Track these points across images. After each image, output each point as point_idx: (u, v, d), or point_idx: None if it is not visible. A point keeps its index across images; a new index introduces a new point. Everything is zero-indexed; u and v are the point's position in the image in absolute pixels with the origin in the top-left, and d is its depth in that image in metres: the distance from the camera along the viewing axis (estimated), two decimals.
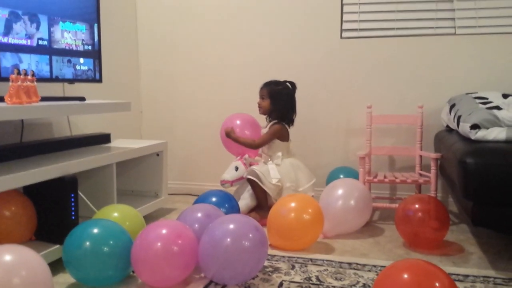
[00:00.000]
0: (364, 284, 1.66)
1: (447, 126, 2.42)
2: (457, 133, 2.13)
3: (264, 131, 2.51)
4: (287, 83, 2.52)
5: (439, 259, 1.91)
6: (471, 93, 2.37)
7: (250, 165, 2.49)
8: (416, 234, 2.01)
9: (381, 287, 1.26)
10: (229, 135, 2.51)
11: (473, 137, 1.89)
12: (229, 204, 2.21)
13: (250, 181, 2.37)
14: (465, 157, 1.67)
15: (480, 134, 1.87)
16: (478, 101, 2.17)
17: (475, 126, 1.89)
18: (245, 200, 2.43)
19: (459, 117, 2.07)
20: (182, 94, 3.17)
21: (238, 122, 2.64)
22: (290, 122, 2.53)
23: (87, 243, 1.59)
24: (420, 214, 1.99)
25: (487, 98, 2.18)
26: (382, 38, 2.78)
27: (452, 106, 2.30)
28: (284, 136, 2.48)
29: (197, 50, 3.11)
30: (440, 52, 2.69)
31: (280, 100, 2.47)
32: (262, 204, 2.38)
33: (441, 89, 2.67)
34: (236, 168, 2.49)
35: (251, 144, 2.48)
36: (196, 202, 2.22)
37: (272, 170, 2.39)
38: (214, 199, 2.19)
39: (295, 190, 2.39)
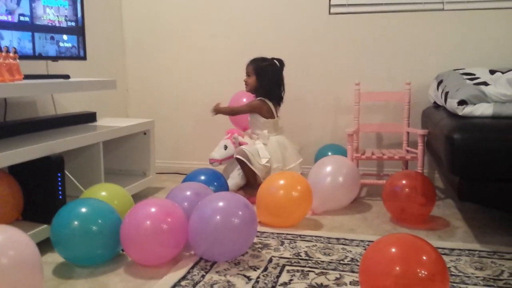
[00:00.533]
0: (352, 258, 1.68)
1: (435, 102, 2.43)
2: (445, 109, 2.15)
3: None
4: (275, 60, 2.49)
5: (425, 234, 1.94)
6: (458, 69, 2.38)
7: (239, 144, 2.48)
8: (403, 210, 2.04)
9: (369, 261, 1.27)
10: (218, 111, 2.51)
11: (460, 113, 1.90)
12: (218, 182, 2.21)
13: (239, 161, 2.37)
14: (452, 133, 1.68)
15: (467, 110, 1.88)
16: (465, 77, 2.18)
17: (462, 102, 1.90)
18: (234, 179, 2.43)
19: (446, 93, 2.08)
20: (168, 71, 3.13)
21: (244, 99, 2.66)
22: (277, 99, 2.51)
23: (75, 222, 1.59)
24: (407, 190, 2.02)
25: (474, 74, 2.19)
26: (371, 14, 2.76)
27: (439, 83, 2.30)
28: (266, 113, 2.46)
29: (183, 27, 3.06)
30: (428, 28, 2.68)
31: (265, 77, 2.45)
32: (251, 183, 2.39)
33: (429, 65, 2.67)
34: (225, 147, 2.49)
35: (230, 111, 2.55)
36: (184, 180, 2.22)
37: (261, 150, 2.38)
38: (202, 178, 2.19)
39: (282, 170, 2.39)
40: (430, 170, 2.77)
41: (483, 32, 2.61)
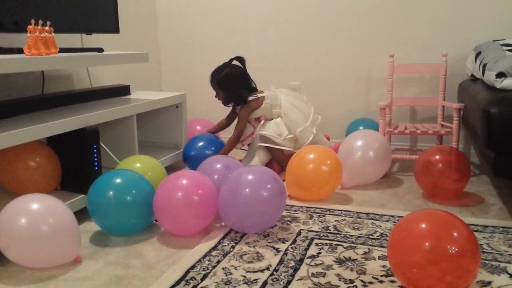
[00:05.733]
0: (381, 233, 1.68)
1: (472, 75, 2.35)
2: (482, 82, 2.07)
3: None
4: (234, 61, 2.41)
5: (458, 210, 1.91)
6: (498, 40, 2.28)
7: (255, 120, 2.46)
8: (435, 185, 2.00)
9: (398, 235, 1.27)
10: (226, 152, 2.40)
11: (498, 86, 1.83)
12: (215, 147, 2.39)
13: (268, 147, 2.36)
14: (489, 107, 1.63)
15: (506, 83, 1.81)
16: (505, 48, 2.08)
17: (501, 75, 1.82)
18: (258, 156, 2.41)
19: (484, 65, 2.00)
20: (200, 44, 3.13)
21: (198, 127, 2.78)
22: (251, 90, 2.42)
23: (111, 193, 1.64)
24: (440, 165, 1.98)
25: None
26: None
27: (477, 54, 2.22)
28: (256, 106, 2.38)
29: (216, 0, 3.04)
30: None
31: (230, 85, 2.37)
32: (282, 163, 2.35)
33: (467, 35, 2.57)
34: None
35: (234, 141, 2.40)
36: (186, 148, 2.42)
37: (276, 126, 2.35)
38: (200, 144, 2.39)
39: (306, 130, 2.36)
40: (466, 146, 2.71)
41: None
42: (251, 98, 2.38)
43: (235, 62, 2.42)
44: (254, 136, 2.42)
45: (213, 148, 2.38)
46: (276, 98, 2.41)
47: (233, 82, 2.38)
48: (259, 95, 2.39)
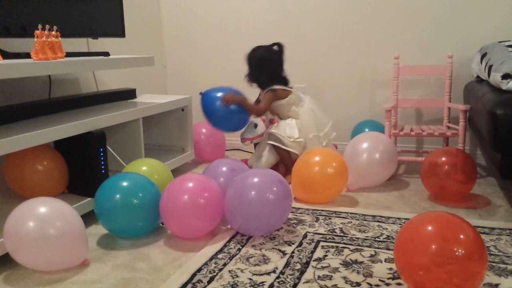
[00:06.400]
0: (388, 236, 1.68)
1: (478, 76, 2.34)
2: (488, 84, 2.07)
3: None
4: (274, 45, 2.40)
5: (465, 212, 1.90)
6: (504, 41, 2.27)
7: (270, 121, 2.47)
8: (442, 187, 2.00)
9: (405, 238, 1.27)
10: (235, 100, 2.33)
11: (504, 87, 1.83)
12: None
13: (273, 146, 2.36)
14: (495, 108, 1.62)
15: None
16: (511, 49, 2.08)
17: (506, 76, 1.82)
18: (265, 157, 2.42)
19: (490, 67, 2.00)
20: (205, 47, 3.15)
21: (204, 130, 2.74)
22: (281, 83, 2.40)
23: (117, 196, 1.65)
24: (446, 167, 1.97)
25: None
26: None
27: (483, 55, 2.21)
28: (283, 95, 2.37)
29: (221, 3, 3.05)
30: None
31: (256, 66, 2.37)
32: (288, 165, 2.34)
33: (473, 37, 2.56)
34: (255, 125, 2.47)
35: (256, 110, 2.38)
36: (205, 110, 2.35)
37: (289, 128, 2.35)
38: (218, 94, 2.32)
39: (317, 136, 2.35)
40: (472, 147, 2.69)
41: None
42: (277, 87, 2.37)
43: (275, 48, 2.41)
44: (264, 136, 2.42)
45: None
46: (301, 99, 2.42)
47: (260, 64, 2.38)
48: (287, 88, 2.40)
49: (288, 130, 2.35)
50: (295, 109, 2.39)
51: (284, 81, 2.42)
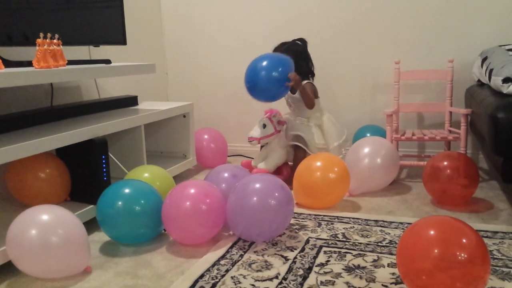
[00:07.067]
0: (390, 240, 1.67)
1: (479, 80, 2.35)
2: (489, 88, 2.07)
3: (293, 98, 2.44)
4: (297, 41, 2.44)
5: (467, 216, 1.90)
6: (504, 45, 2.28)
7: (278, 122, 2.47)
8: (444, 191, 1.99)
9: (407, 242, 1.26)
10: (298, 82, 2.29)
11: (505, 91, 1.82)
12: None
13: (296, 147, 2.37)
14: (496, 112, 1.62)
15: None
16: (511, 53, 2.08)
17: (507, 80, 1.82)
18: (273, 158, 2.42)
19: (491, 71, 2.00)
20: (207, 54, 3.16)
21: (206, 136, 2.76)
22: (313, 76, 2.47)
23: (120, 203, 1.65)
24: (448, 171, 1.97)
25: None
26: None
27: (484, 59, 2.22)
28: (316, 93, 2.44)
29: (222, 10, 3.06)
30: (472, 1, 2.56)
31: (296, 57, 2.36)
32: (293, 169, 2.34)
33: (473, 41, 2.57)
34: (264, 126, 2.46)
35: (312, 100, 2.34)
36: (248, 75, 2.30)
37: (316, 134, 2.37)
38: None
39: (340, 145, 2.38)
40: (474, 151, 2.69)
41: None
42: (309, 81, 2.40)
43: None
44: (273, 137, 2.41)
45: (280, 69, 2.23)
46: (321, 108, 2.45)
47: (299, 55, 2.39)
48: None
49: (316, 136, 2.37)
50: (318, 114, 2.41)
51: (314, 75, 2.47)
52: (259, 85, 2.27)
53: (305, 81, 2.39)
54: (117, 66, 2.20)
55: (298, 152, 2.37)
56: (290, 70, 2.25)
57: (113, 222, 1.66)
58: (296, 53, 2.39)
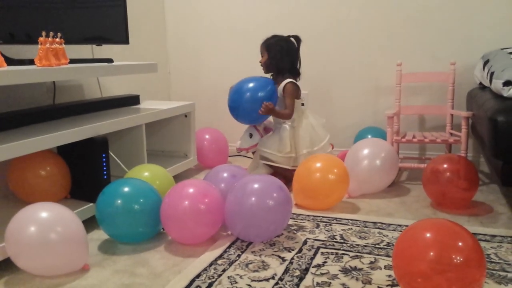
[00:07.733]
0: (388, 243, 1.68)
1: (480, 83, 2.34)
2: (490, 91, 2.06)
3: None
4: (291, 38, 2.41)
5: (466, 219, 1.90)
6: (506, 48, 2.27)
7: (264, 130, 2.46)
8: (443, 194, 1.99)
9: (403, 245, 1.26)
10: (269, 111, 2.31)
11: (505, 94, 1.82)
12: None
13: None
14: (496, 115, 1.62)
15: None
16: None
17: (508, 83, 1.82)
18: (261, 168, 2.41)
19: (492, 74, 1.99)
20: (209, 55, 3.17)
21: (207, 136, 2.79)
22: (298, 74, 2.42)
23: (119, 201, 1.66)
24: (448, 174, 1.97)
25: None
26: None
27: (485, 62, 2.21)
28: (298, 94, 2.38)
29: (224, 10, 3.07)
30: (474, 4, 2.56)
31: (277, 52, 2.36)
32: (287, 176, 2.30)
33: (475, 44, 2.56)
34: (250, 135, 2.45)
35: (284, 114, 2.32)
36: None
37: (280, 141, 2.32)
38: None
39: (310, 153, 2.30)
40: (475, 154, 2.69)
41: None
42: (292, 80, 2.36)
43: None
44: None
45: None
46: (303, 110, 2.41)
47: (281, 51, 2.37)
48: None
49: (277, 144, 2.32)
50: (298, 114, 2.35)
51: (299, 74, 2.43)
52: (240, 110, 2.39)
53: (287, 80, 2.35)
54: (119, 65, 2.21)
55: (272, 167, 2.35)
56: (269, 96, 2.31)
57: (112, 220, 1.67)
58: (281, 48, 2.37)
